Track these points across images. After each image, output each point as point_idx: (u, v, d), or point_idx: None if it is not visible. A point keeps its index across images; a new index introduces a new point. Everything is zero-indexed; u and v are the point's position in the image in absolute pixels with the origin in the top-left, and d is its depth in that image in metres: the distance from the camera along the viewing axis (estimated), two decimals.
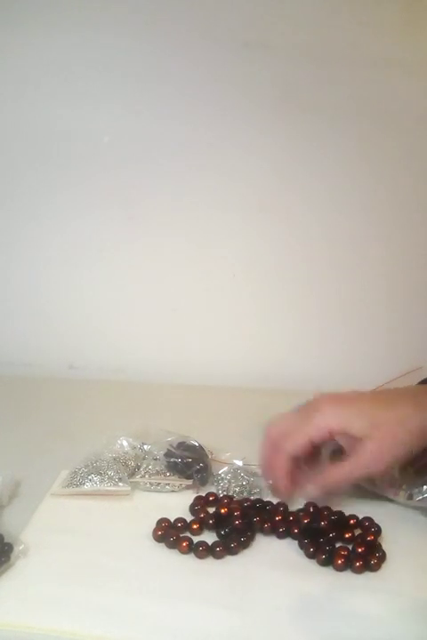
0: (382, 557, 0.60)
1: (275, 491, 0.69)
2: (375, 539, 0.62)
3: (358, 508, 0.67)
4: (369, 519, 0.65)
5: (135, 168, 1.02)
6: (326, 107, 0.96)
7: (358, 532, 0.64)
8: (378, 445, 0.62)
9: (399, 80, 0.94)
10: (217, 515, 0.65)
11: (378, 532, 0.64)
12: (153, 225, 1.04)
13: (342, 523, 0.65)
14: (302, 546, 0.62)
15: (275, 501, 0.68)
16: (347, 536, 0.63)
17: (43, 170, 1.03)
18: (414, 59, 0.93)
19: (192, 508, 0.68)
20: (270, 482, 0.68)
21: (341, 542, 0.62)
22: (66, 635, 0.52)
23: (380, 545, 0.61)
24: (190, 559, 0.61)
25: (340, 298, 1.04)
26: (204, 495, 0.70)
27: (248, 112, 0.98)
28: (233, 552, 0.61)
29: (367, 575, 0.58)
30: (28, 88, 1.00)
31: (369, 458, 0.62)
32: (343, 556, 0.59)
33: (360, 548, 0.60)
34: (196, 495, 0.71)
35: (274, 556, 0.61)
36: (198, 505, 0.68)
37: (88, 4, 0.96)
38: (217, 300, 1.07)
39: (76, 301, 1.08)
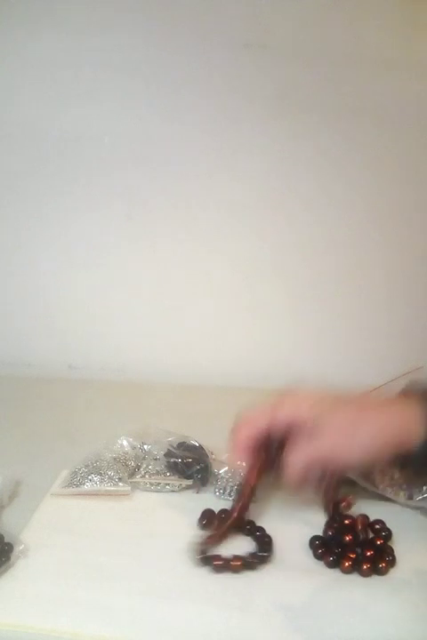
0: (392, 561, 0.59)
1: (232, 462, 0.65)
2: (385, 542, 0.62)
3: (371, 511, 0.66)
4: (381, 522, 0.65)
5: (135, 168, 1.02)
6: (325, 107, 0.96)
7: (371, 535, 0.64)
8: (337, 429, 0.59)
9: (399, 80, 0.94)
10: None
11: (388, 536, 0.63)
12: (153, 225, 1.04)
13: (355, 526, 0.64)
14: (311, 545, 0.62)
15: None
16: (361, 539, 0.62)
17: (43, 170, 1.03)
18: (415, 59, 0.93)
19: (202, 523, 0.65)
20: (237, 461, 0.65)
21: (353, 545, 0.62)
22: (66, 635, 0.52)
23: (391, 548, 0.61)
24: (190, 559, 0.60)
25: (340, 298, 1.04)
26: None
27: (248, 112, 0.98)
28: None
29: (374, 577, 0.58)
30: (29, 89, 1.00)
31: (332, 436, 0.58)
32: (351, 559, 0.59)
33: (369, 551, 0.60)
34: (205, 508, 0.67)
35: (276, 557, 0.61)
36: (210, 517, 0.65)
37: (89, 4, 0.96)
38: (217, 300, 1.07)
39: (76, 301, 1.08)
